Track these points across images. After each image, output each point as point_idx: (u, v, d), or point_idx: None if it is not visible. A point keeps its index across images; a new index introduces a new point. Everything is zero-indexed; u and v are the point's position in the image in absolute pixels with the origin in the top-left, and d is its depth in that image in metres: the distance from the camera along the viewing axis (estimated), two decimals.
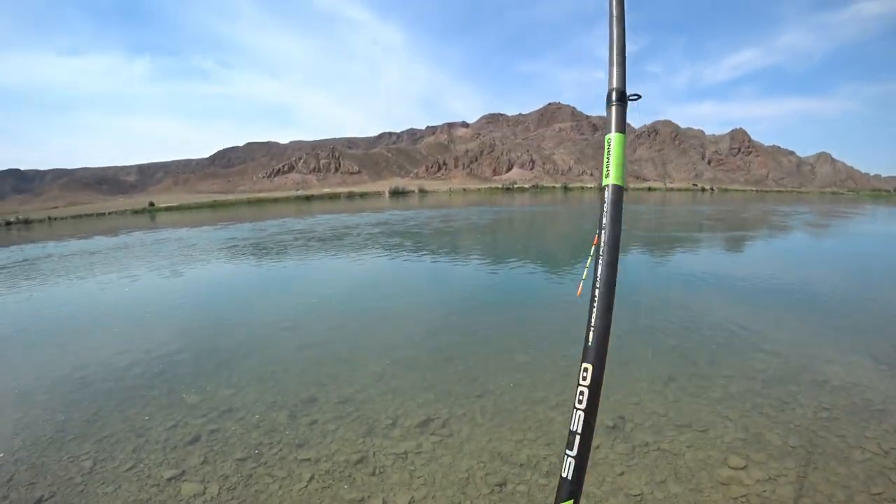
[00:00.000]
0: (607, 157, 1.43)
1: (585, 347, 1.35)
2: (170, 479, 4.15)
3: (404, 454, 4.45)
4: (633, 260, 15.51)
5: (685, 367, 6.38)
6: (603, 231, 1.41)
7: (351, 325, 8.62)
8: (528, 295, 10.62)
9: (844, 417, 5.08)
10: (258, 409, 5.40)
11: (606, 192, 1.45)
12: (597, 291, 1.41)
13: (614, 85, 1.47)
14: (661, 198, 77.75)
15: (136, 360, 7.02)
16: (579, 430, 1.22)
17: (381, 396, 5.64)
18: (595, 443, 4.48)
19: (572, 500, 1.21)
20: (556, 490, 1.29)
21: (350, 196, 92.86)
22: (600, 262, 1.37)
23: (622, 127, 1.43)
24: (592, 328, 1.34)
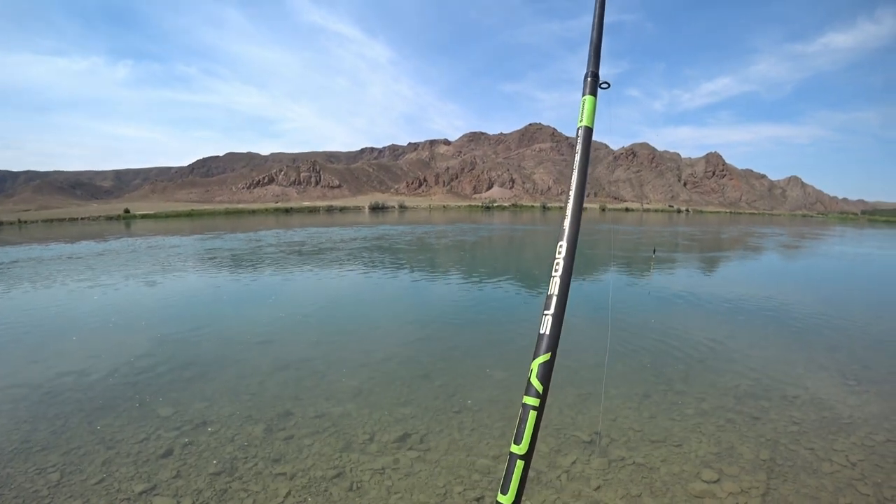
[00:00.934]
0: (581, 112, 1.52)
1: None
2: (141, 493, 4.03)
3: (382, 469, 4.42)
4: (610, 279, 15.75)
5: (660, 383, 6.48)
6: (574, 171, 1.46)
7: (328, 339, 8.55)
8: (506, 312, 10.68)
9: (814, 431, 5.23)
10: (233, 422, 5.31)
11: (579, 133, 1.53)
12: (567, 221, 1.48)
13: (591, 69, 1.57)
14: (638, 218, 79.21)
15: (105, 371, 6.83)
16: (556, 293, 1.27)
17: (358, 411, 5.59)
18: (571, 458, 4.56)
19: (550, 354, 1.26)
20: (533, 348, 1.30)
21: (330, 210, 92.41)
22: (570, 197, 1.41)
23: (594, 91, 1.53)
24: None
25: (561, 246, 1.25)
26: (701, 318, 10.30)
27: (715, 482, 4.27)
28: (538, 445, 4.76)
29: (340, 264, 18.13)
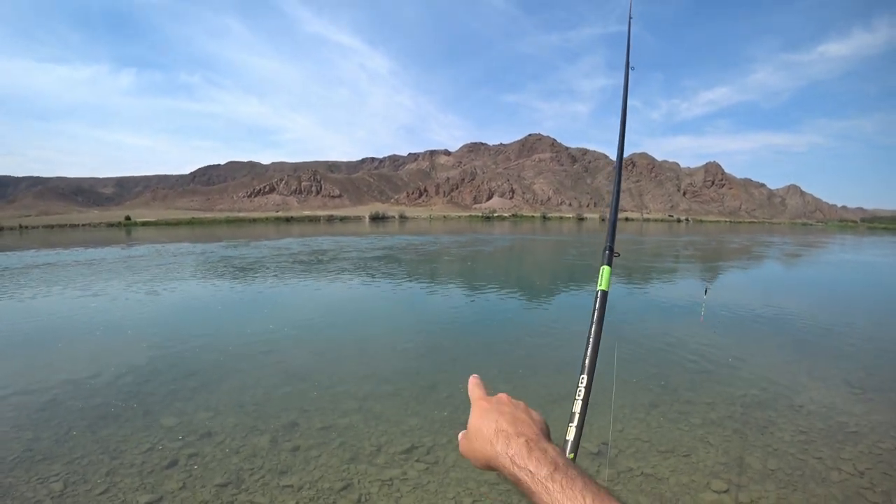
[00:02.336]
0: (600, 279, 1.66)
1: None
2: None
3: (390, 481, 4.39)
4: (614, 289, 15.72)
5: (667, 393, 6.45)
6: (592, 325, 1.55)
7: (332, 349, 8.52)
8: (509, 323, 10.67)
9: (821, 440, 5.21)
10: (238, 433, 5.27)
11: (597, 296, 1.65)
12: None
13: (608, 244, 1.75)
14: (638, 228, 79.33)
15: (108, 379, 6.80)
16: (578, 412, 1.28)
17: (364, 423, 5.56)
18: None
19: (573, 454, 1.26)
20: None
21: (330, 220, 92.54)
22: (587, 352, 1.48)
23: (611, 262, 1.71)
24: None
25: (582, 378, 1.31)
26: (705, 327, 10.28)
27: (725, 492, 4.24)
28: None
29: (342, 273, 18.13)
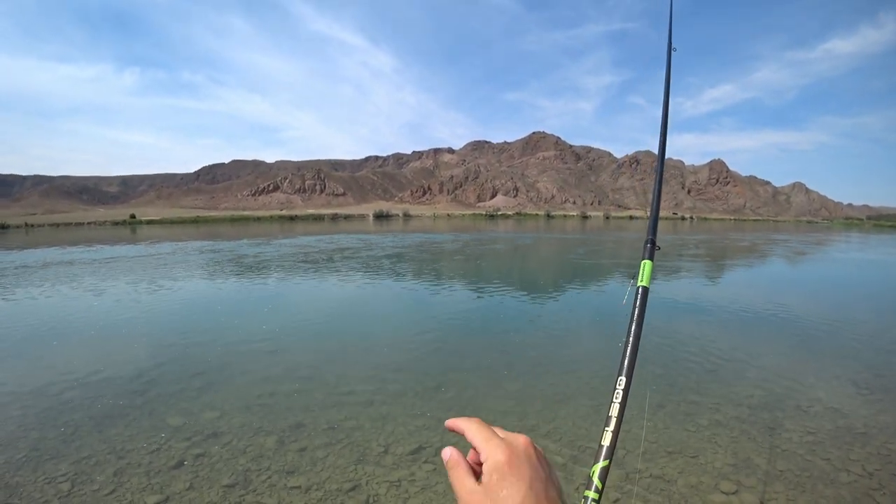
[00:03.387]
0: (641, 274, 1.61)
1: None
2: None
3: (398, 482, 4.38)
4: (618, 288, 15.70)
5: (673, 394, 6.43)
6: (632, 324, 1.51)
7: (337, 349, 8.52)
8: (514, 322, 10.64)
9: (829, 441, 5.17)
10: (245, 433, 5.28)
11: (639, 293, 1.60)
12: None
13: (650, 236, 1.69)
14: (642, 226, 79.03)
15: (114, 379, 6.83)
16: (615, 416, 1.27)
17: (371, 423, 5.56)
18: (589, 471, 4.50)
19: (608, 461, 1.24)
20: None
21: (334, 218, 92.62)
22: (628, 345, 1.45)
23: (652, 256, 1.64)
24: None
25: (620, 381, 1.29)
26: (711, 327, 10.24)
27: (734, 493, 4.22)
28: (554, 457, 4.73)
29: (347, 272, 18.15)
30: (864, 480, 4.43)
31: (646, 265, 1.59)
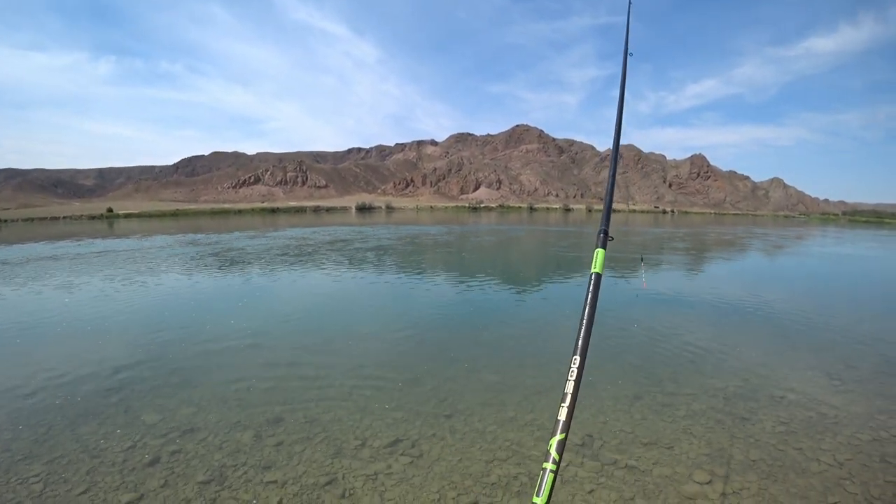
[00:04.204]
0: (594, 261, 1.67)
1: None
2: (128, 503, 3.95)
3: (374, 475, 4.38)
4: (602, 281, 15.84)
5: (650, 385, 6.51)
6: (586, 307, 1.57)
7: (316, 343, 8.46)
8: (495, 314, 10.68)
9: (802, 431, 5.30)
10: (221, 429, 5.22)
11: (591, 279, 1.64)
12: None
13: (603, 227, 1.83)
14: (624, 219, 79.91)
15: (88, 377, 6.68)
16: (570, 392, 1.32)
17: (349, 416, 5.54)
18: (564, 461, 4.54)
19: (564, 434, 1.30)
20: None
21: (316, 210, 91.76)
22: (582, 325, 1.50)
23: (605, 245, 1.77)
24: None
25: (575, 360, 1.35)
26: (689, 319, 10.39)
27: (707, 483, 4.29)
28: (531, 450, 4.77)
29: (326, 265, 18.00)
30: (835, 470, 4.54)
31: (599, 253, 1.66)
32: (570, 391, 1.42)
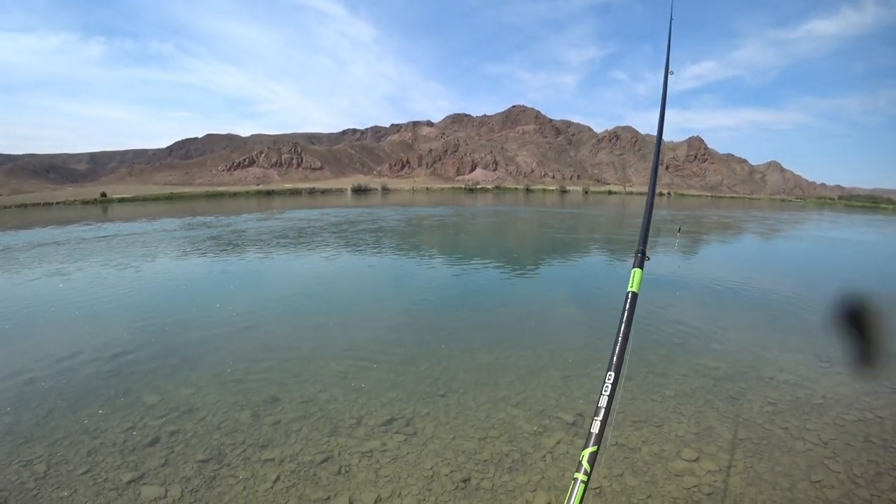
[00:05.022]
0: (631, 280, 1.67)
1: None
2: (129, 483, 4.03)
3: (369, 452, 4.48)
4: (594, 262, 15.93)
5: (642, 365, 6.62)
6: (621, 326, 1.61)
7: (312, 324, 8.53)
8: (489, 295, 10.76)
9: (788, 411, 5.42)
10: (220, 409, 5.31)
11: (627, 298, 1.64)
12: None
13: (640, 247, 1.80)
14: (621, 201, 79.83)
15: (87, 359, 6.75)
16: (604, 406, 1.38)
17: (344, 396, 5.63)
18: (555, 439, 4.66)
19: (597, 446, 1.36)
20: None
21: (312, 192, 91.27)
22: (615, 350, 1.55)
23: (642, 265, 1.79)
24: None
25: (609, 375, 1.40)
26: (683, 301, 10.49)
27: (694, 461, 4.41)
28: (523, 427, 4.87)
29: (322, 247, 18.00)
30: (819, 449, 4.66)
31: (636, 273, 1.67)
32: (604, 405, 1.46)
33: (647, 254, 1.82)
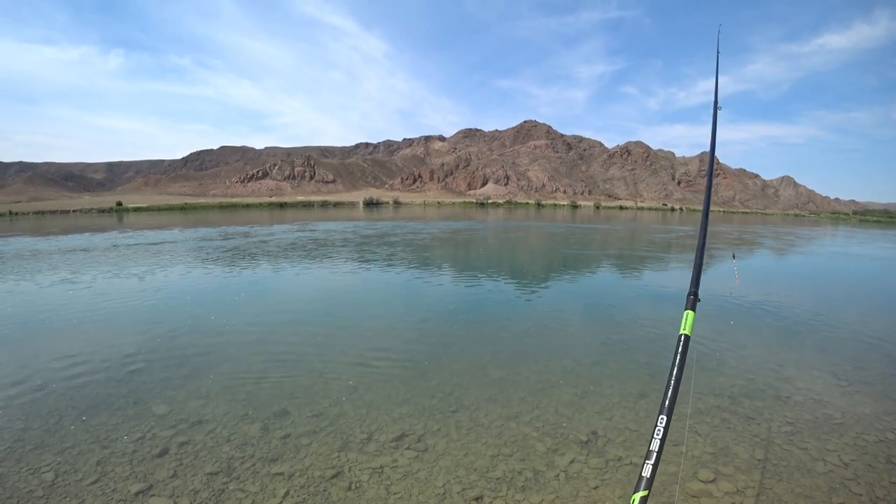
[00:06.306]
0: (684, 323, 1.53)
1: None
2: (137, 494, 4.01)
3: (380, 468, 4.42)
4: (606, 278, 15.81)
5: (656, 383, 6.51)
6: (674, 370, 1.56)
7: (323, 337, 8.52)
8: (501, 310, 10.69)
9: (807, 431, 5.28)
10: (229, 421, 5.28)
11: (680, 341, 1.63)
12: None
13: (693, 289, 1.77)
14: (632, 216, 79.54)
15: (98, 368, 6.78)
16: (655, 450, 1.33)
17: (355, 410, 5.59)
18: (568, 458, 4.58)
19: (647, 491, 1.31)
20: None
21: (324, 205, 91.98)
22: (668, 393, 1.49)
23: (694, 307, 1.81)
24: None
25: (661, 419, 1.36)
26: (696, 317, 10.33)
27: (711, 482, 4.30)
28: (536, 445, 4.79)
29: (333, 260, 18.07)
30: (840, 470, 4.53)
31: (688, 315, 1.61)
32: (656, 449, 1.41)
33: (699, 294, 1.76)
